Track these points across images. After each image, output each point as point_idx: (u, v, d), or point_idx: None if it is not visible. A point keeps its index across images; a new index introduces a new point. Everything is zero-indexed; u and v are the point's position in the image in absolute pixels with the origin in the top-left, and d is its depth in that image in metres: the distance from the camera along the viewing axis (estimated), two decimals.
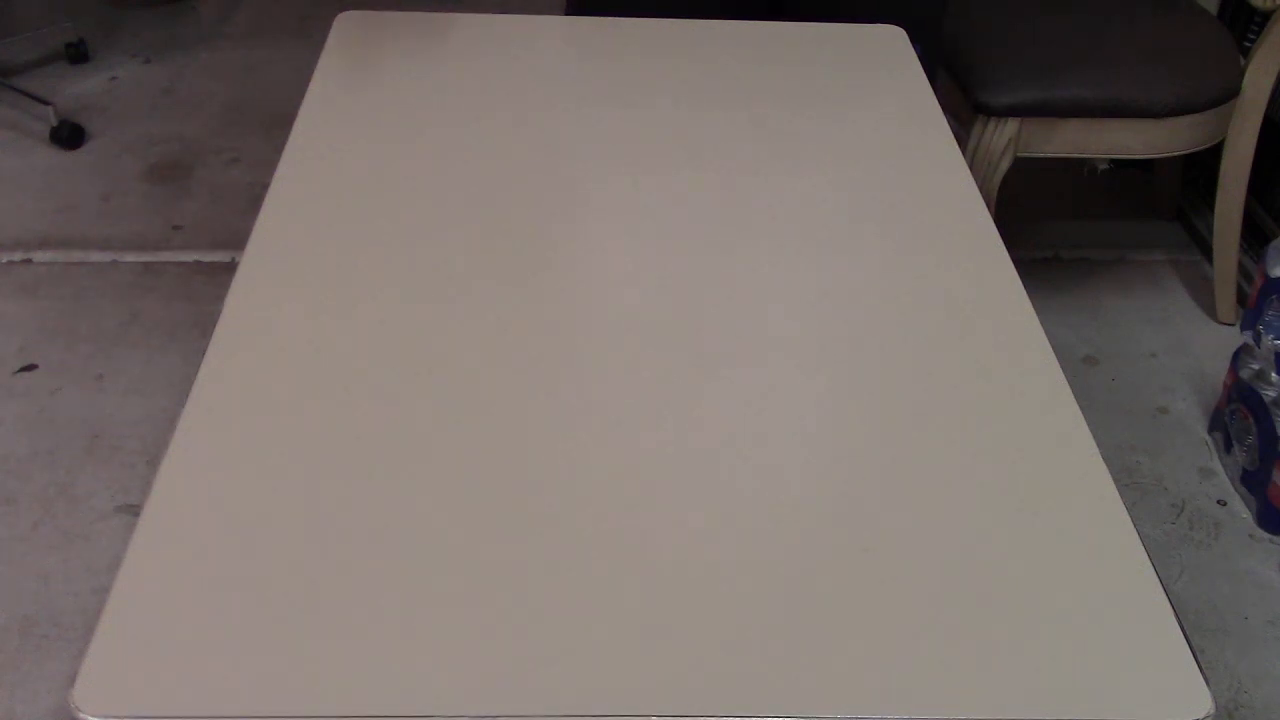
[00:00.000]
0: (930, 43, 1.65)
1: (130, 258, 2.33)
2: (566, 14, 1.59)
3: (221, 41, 3.12)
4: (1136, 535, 0.84)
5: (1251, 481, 1.85)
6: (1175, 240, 2.46)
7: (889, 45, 1.46)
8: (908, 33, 1.49)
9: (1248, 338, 1.87)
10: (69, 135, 2.63)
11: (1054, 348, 0.99)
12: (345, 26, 1.46)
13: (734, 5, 1.63)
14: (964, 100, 1.98)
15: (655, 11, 1.50)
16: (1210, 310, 2.26)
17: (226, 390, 0.92)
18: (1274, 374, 1.79)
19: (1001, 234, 1.13)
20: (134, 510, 1.79)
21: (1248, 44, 2.17)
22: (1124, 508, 0.86)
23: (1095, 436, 0.91)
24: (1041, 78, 1.93)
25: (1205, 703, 0.73)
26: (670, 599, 0.78)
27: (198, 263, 2.32)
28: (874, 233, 1.13)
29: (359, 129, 1.25)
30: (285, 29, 3.19)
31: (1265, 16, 2.07)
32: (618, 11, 1.50)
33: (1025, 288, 1.06)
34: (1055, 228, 2.49)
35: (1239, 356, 1.88)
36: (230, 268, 2.31)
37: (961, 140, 1.96)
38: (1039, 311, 1.03)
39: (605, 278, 1.05)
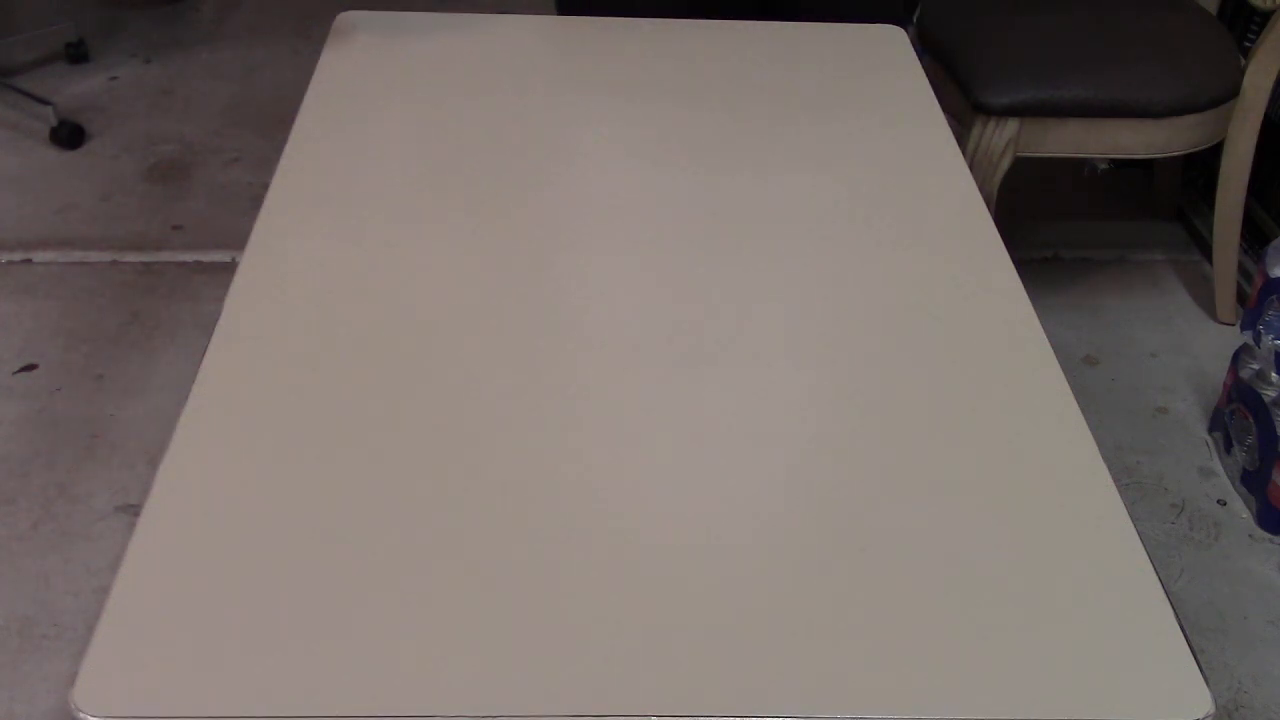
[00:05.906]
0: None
1: (130, 258, 2.33)
2: (558, 14, 1.59)
3: (221, 41, 3.12)
4: (1136, 535, 0.84)
5: (1251, 481, 1.85)
6: (1175, 240, 2.46)
7: (889, 45, 1.46)
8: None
9: (1248, 338, 1.87)
10: (69, 135, 2.63)
11: (1054, 348, 0.99)
12: (345, 26, 1.46)
13: (722, 5, 1.62)
14: (964, 100, 1.98)
15: (643, 12, 1.50)
16: (1210, 310, 2.26)
17: (226, 390, 0.92)
18: (1274, 374, 1.79)
19: (1001, 234, 1.13)
20: (134, 510, 1.79)
21: (1248, 44, 2.17)
22: (1124, 508, 0.86)
23: (1095, 436, 0.91)
24: (1041, 78, 1.93)
25: (1205, 703, 0.73)
26: (669, 599, 0.78)
27: (198, 263, 2.32)
28: (874, 232, 1.13)
29: (359, 129, 1.25)
30: (285, 29, 3.19)
31: (1265, 16, 2.07)
32: (605, 12, 1.49)
33: (1025, 288, 1.06)
34: (1055, 228, 2.49)
35: (1239, 356, 1.88)
36: (230, 268, 2.31)
37: (961, 140, 1.96)
38: (1039, 311, 1.03)
39: (604, 278, 1.06)
